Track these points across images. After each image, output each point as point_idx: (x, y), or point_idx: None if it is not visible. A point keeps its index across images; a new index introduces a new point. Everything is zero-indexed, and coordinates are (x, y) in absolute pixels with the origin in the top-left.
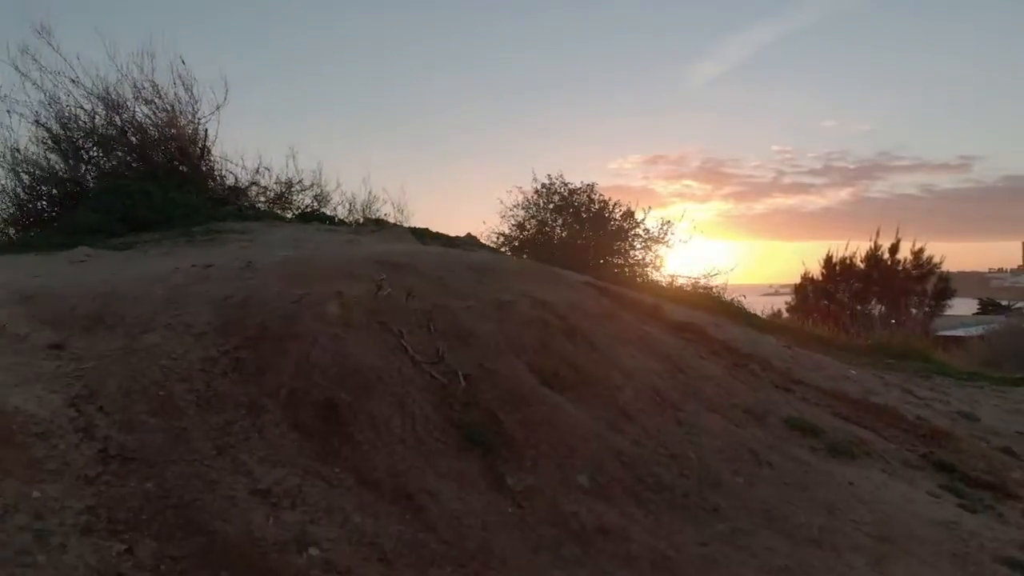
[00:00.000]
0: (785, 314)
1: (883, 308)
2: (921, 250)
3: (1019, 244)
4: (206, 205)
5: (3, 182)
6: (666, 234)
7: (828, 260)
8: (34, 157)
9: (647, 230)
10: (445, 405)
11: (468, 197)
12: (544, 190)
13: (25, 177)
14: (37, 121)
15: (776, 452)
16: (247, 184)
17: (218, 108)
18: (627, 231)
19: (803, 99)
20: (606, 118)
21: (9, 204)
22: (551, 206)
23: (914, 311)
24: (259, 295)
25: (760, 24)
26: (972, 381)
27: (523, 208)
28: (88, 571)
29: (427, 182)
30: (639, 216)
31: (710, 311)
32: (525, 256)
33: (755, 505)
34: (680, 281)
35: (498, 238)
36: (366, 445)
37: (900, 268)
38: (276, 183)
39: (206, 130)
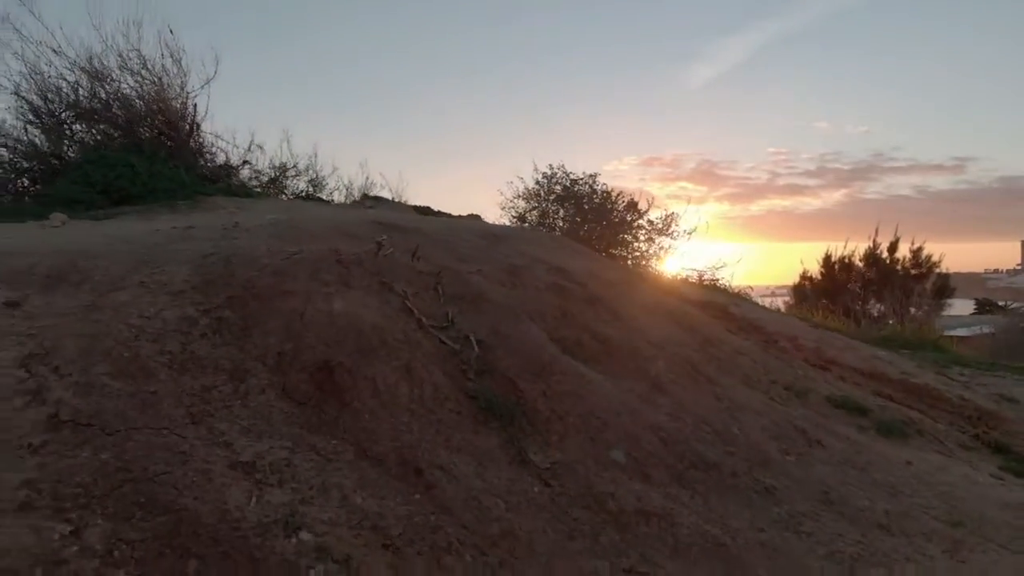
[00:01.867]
0: None
1: (882, 308)
2: (920, 249)
3: (1015, 245)
4: (195, 181)
5: None
6: (670, 225)
7: (827, 259)
8: (13, 131)
9: (651, 221)
10: (457, 372)
11: (462, 195)
12: (545, 180)
13: (4, 152)
14: (17, 93)
15: (824, 430)
16: (239, 163)
17: (208, 82)
18: (631, 223)
19: (797, 101)
20: (602, 120)
21: None
22: (552, 196)
23: (914, 310)
24: (246, 252)
25: (754, 26)
26: (992, 371)
27: (524, 199)
28: (23, 555)
29: (421, 178)
30: (642, 207)
31: (723, 296)
32: None
33: (812, 486)
34: (686, 273)
35: None
36: (367, 414)
37: (899, 267)
38: (270, 167)
39: (195, 105)
